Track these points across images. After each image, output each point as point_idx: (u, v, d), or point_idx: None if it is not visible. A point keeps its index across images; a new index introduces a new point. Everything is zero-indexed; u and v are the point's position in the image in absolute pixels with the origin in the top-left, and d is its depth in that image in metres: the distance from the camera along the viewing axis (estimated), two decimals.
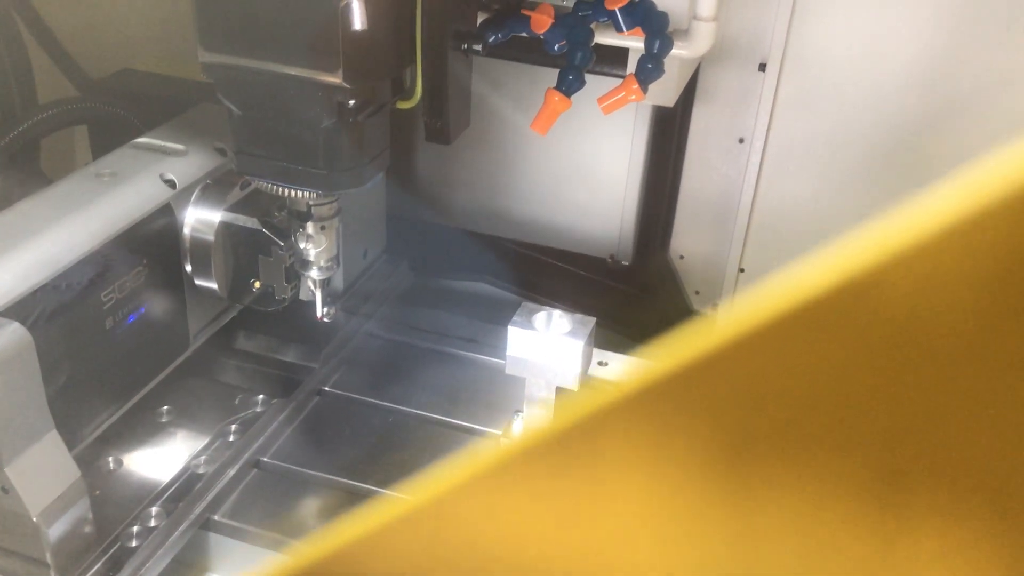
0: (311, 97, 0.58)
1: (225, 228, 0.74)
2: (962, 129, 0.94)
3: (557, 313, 0.72)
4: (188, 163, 0.74)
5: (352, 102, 0.59)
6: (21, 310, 0.60)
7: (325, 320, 0.74)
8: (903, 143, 0.97)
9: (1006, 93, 0.91)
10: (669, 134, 1.04)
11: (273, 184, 0.64)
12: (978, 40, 0.90)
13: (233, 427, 0.76)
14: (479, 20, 0.71)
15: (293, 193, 0.64)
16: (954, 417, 0.21)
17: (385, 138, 0.66)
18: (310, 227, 0.69)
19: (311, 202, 0.67)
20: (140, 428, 0.75)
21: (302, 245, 0.70)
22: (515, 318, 0.71)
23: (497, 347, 0.87)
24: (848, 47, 0.94)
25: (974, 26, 0.89)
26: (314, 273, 0.71)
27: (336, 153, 0.61)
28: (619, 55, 0.82)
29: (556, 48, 0.72)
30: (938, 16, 0.90)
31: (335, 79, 0.57)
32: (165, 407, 0.77)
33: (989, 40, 0.89)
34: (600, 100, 0.75)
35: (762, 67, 0.98)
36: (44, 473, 0.61)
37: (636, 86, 0.74)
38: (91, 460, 0.70)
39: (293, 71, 0.58)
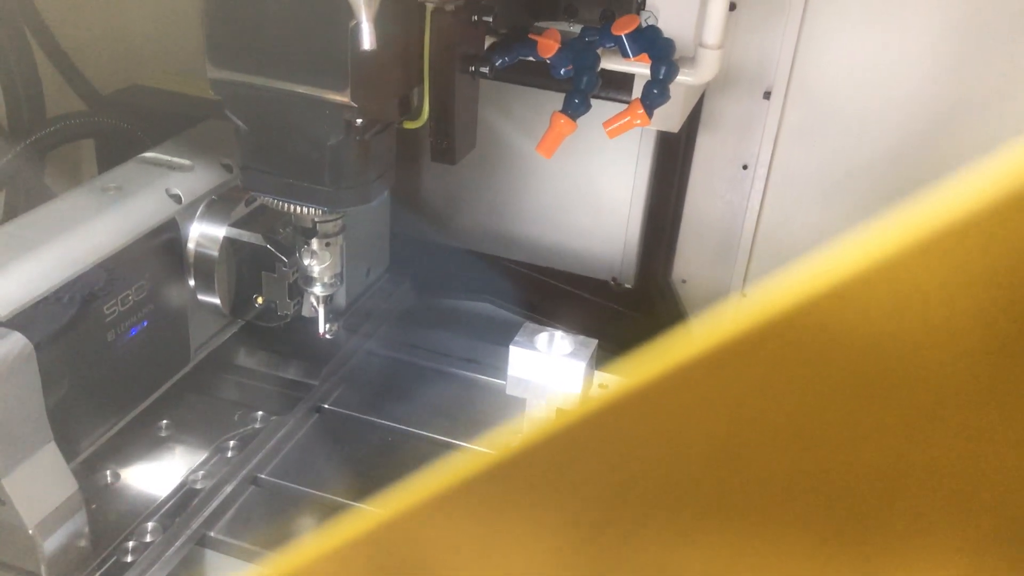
0: (318, 115, 0.59)
1: (229, 244, 0.74)
2: (966, 157, 0.94)
3: (559, 334, 0.72)
4: (194, 178, 0.75)
5: (359, 121, 0.59)
6: (23, 321, 0.60)
7: (327, 337, 0.74)
8: (907, 171, 0.97)
9: (1010, 120, 0.92)
10: (673, 159, 1.05)
11: (279, 200, 0.64)
12: (981, 68, 0.90)
13: (232, 443, 0.75)
14: (487, 44, 0.71)
15: (298, 209, 0.64)
16: (946, 442, 0.21)
17: (391, 156, 0.66)
18: (315, 243, 0.69)
19: (316, 219, 0.67)
20: (139, 442, 0.75)
21: (306, 261, 0.70)
22: (517, 338, 0.71)
23: (498, 367, 0.87)
24: (853, 76, 0.95)
25: (977, 55, 0.89)
26: (318, 289, 0.71)
27: (342, 171, 0.62)
28: (625, 80, 0.83)
29: (562, 72, 0.73)
30: (942, 45, 0.90)
31: (343, 98, 0.57)
32: (164, 421, 0.77)
33: (992, 68, 0.90)
34: (606, 124, 0.76)
35: (767, 95, 0.98)
36: (41, 485, 0.61)
37: (642, 111, 0.75)
38: (89, 473, 0.70)
39: (301, 89, 0.58)
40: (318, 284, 0.71)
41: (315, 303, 0.73)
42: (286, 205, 0.64)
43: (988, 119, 0.92)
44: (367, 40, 0.51)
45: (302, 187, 0.62)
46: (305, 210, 0.64)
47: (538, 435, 0.25)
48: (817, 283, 0.20)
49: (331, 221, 0.68)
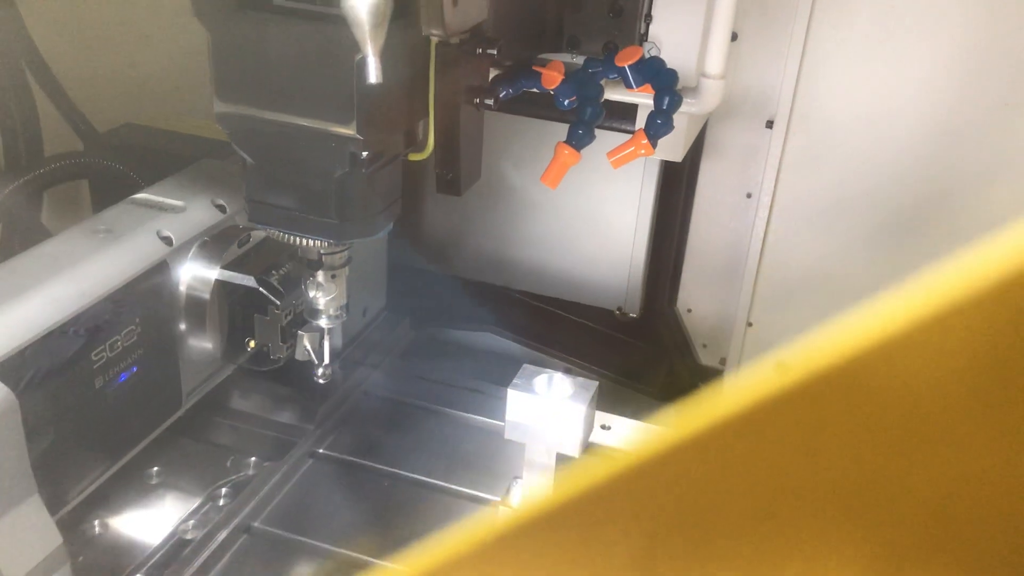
0: (325, 148, 0.59)
1: (221, 286, 0.73)
2: (967, 185, 0.94)
3: (558, 376, 0.70)
4: (186, 220, 0.74)
5: (365, 153, 0.59)
6: (6, 370, 0.59)
7: (320, 381, 0.72)
8: (909, 199, 0.97)
9: (1010, 149, 0.91)
10: (677, 189, 1.04)
11: (285, 233, 0.64)
12: (980, 97, 0.90)
13: (224, 490, 0.74)
14: (491, 76, 0.71)
15: (304, 242, 0.64)
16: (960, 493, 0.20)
17: (397, 189, 0.66)
18: (320, 276, 0.68)
19: (322, 251, 0.67)
20: (128, 490, 0.73)
21: (312, 294, 0.69)
22: (515, 381, 0.69)
23: (501, 403, 0.86)
24: (854, 105, 0.94)
25: (978, 85, 0.89)
26: (323, 322, 0.70)
27: (348, 203, 0.62)
28: (628, 110, 0.82)
29: (566, 104, 0.73)
30: (943, 75, 0.90)
31: (349, 131, 0.57)
32: (155, 468, 0.75)
33: (993, 98, 0.90)
34: (610, 154, 0.75)
35: (769, 124, 0.98)
36: (24, 539, 0.59)
37: (646, 141, 0.74)
38: (76, 523, 0.69)
39: (307, 122, 0.58)
40: (324, 316, 0.70)
41: (308, 346, 0.72)
42: (292, 238, 0.64)
43: (987, 146, 0.92)
44: (373, 74, 0.50)
45: (308, 220, 0.62)
46: (311, 242, 0.64)
47: (567, 490, 0.24)
48: (853, 343, 0.20)
49: (337, 253, 0.68)
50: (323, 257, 0.68)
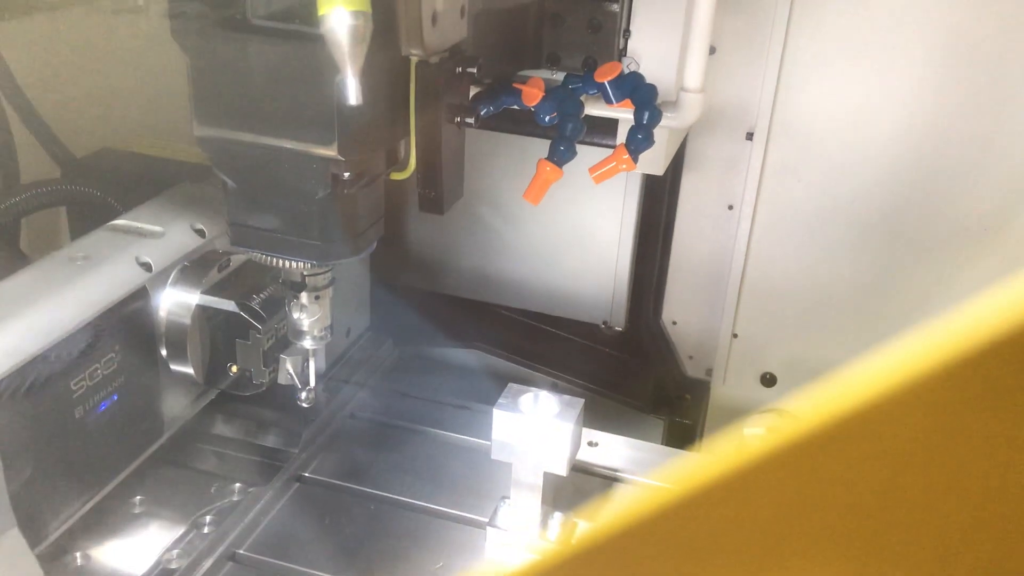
0: (306, 169, 0.59)
1: (202, 311, 0.72)
2: (948, 192, 0.95)
3: (544, 394, 0.70)
4: (165, 245, 0.73)
5: (347, 174, 0.59)
6: None
7: (304, 405, 0.72)
8: (891, 208, 0.97)
9: (990, 156, 0.92)
10: (659, 201, 1.04)
11: (268, 255, 0.63)
12: (961, 105, 0.91)
13: (208, 517, 0.73)
14: (471, 93, 0.71)
15: (288, 264, 0.64)
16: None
17: (379, 208, 0.66)
18: (304, 297, 0.68)
19: (305, 272, 0.66)
20: (111, 519, 0.72)
21: (296, 315, 0.69)
22: (500, 400, 0.69)
23: (485, 426, 0.85)
24: (833, 115, 0.95)
25: (957, 91, 0.90)
26: (307, 343, 0.70)
27: (331, 224, 0.61)
28: (609, 125, 0.82)
29: (547, 120, 0.73)
30: (921, 83, 0.91)
31: (330, 152, 0.57)
32: (138, 497, 0.74)
33: (972, 105, 0.90)
34: (591, 170, 0.75)
35: (749, 136, 0.98)
36: (4, 575, 0.58)
37: (627, 156, 0.74)
38: (57, 555, 0.67)
39: (288, 144, 0.58)
40: (308, 338, 0.70)
41: (290, 370, 0.71)
42: (275, 260, 0.63)
43: (967, 152, 0.92)
44: (353, 95, 0.50)
45: (291, 241, 0.62)
46: (294, 264, 0.64)
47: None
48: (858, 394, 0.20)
49: (320, 274, 0.67)
50: (306, 279, 0.67)
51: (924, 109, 0.91)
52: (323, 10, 0.49)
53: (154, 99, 0.97)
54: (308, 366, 0.72)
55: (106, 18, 1.02)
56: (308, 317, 0.69)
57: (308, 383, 0.72)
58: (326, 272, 0.68)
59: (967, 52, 0.88)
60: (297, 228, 0.61)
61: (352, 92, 0.50)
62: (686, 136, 0.99)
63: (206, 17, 0.58)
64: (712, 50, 0.90)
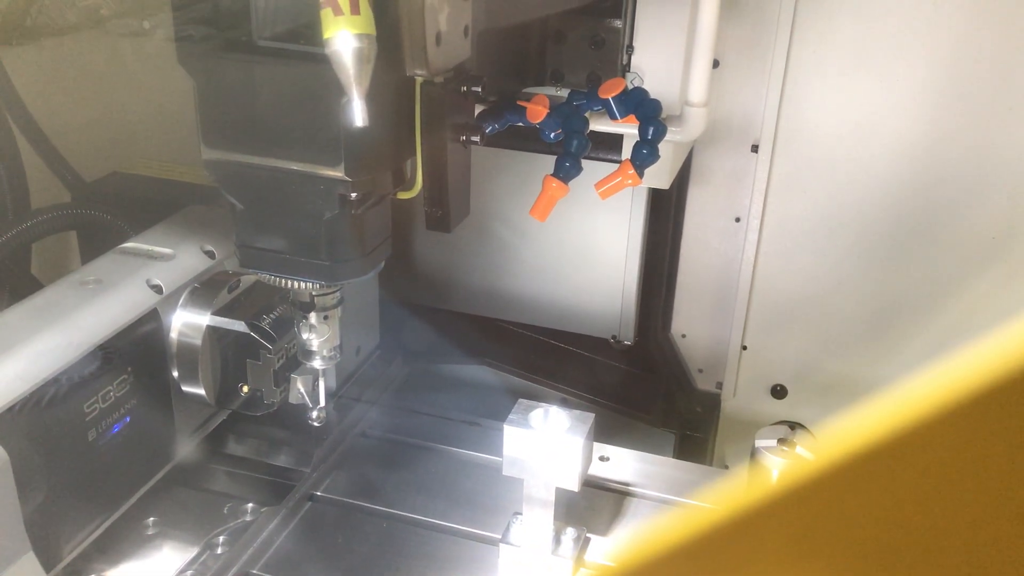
0: (313, 191, 0.59)
1: (212, 332, 0.72)
2: (954, 201, 0.95)
3: (554, 409, 0.70)
4: (175, 267, 0.73)
5: (354, 195, 0.59)
6: None
7: (315, 424, 0.72)
8: (897, 218, 0.97)
9: (995, 165, 0.92)
10: (666, 215, 1.04)
11: (276, 277, 0.63)
12: (966, 114, 0.91)
13: (221, 538, 0.73)
14: (476, 111, 0.71)
15: (296, 284, 0.64)
16: None
17: (387, 228, 0.66)
18: (313, 318, 0.68)
19: (314, 292, 0.66)
20: (125, 542, 0.72)
21: (305, 336, 0.69)
22: (511, 416, 0.69)
23: (496, 442, 0.85)
24: (838, 126, 0.95)
25: (961, 101, 0.91)
26: (317, 363, 0.70)
27: (338, 245, 0.62)
28: (614, 141, 0.82)
29: (552, 136, 0.73)
30: (925, 93, 0.91)
31: (337, 173, 0.57)
32: (151, 519, 0.74)
33: (976, 114, 0.90)
34: (597, 185, 0.75)
35: (754, 148, 0.98)
36: None
37: (632, 172, 0.74)
38: None
39: (295, 166, 0.58)
40: (317, 358, 0.70)
41: (301, 389, 0.72)
42: (284, 281, 0.64)
43: (974, 163, 0.93)
44: (359, 117, 0.50)
45: (299, 262, 0.62)
46: (303, 285, 0.64)
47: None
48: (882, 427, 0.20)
49: (329, 294, 0.68)
50: (315, 299, 0.67)
51: (928, 119, 0.92)
52: (328, 33, 0.49)
53: (161, 122, 0.98)
54: (318, 385, 0.73)
55: (113, 41, 1.03)
56: (317, 337, 0.69)
57: (319, 402, 0.72)
58: (335, 292, 0.68)
59: (970, 62, 0.88)
60: (305, 249, 0.61)
61: (358, 114, 0.51)
62: (691, 149, 1.00)
63: (212, 40, 0.58)
64: (716, 63, 0.91)
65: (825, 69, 0.93)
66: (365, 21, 0.50)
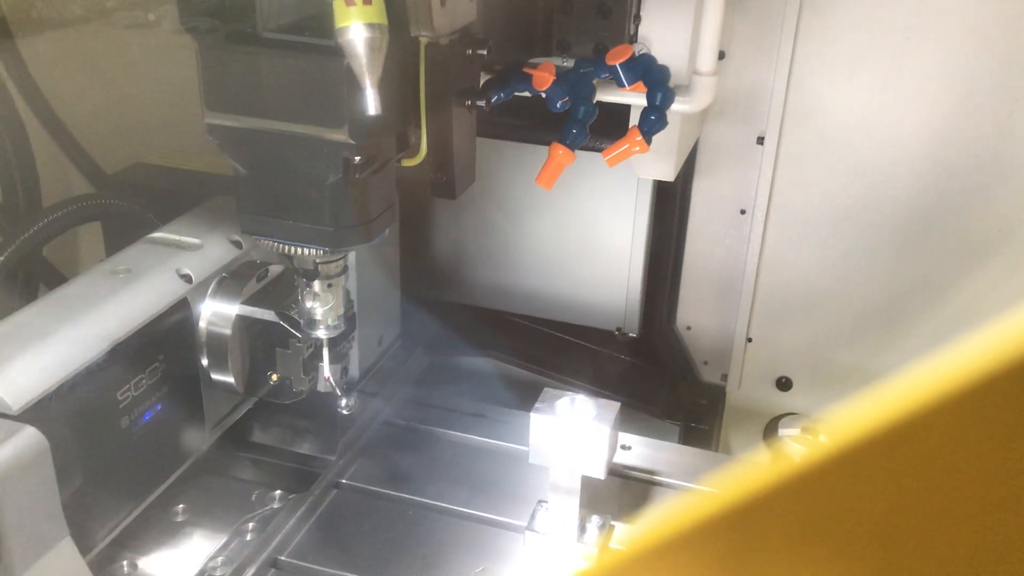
0: (317, 154, 0.58)
1: (241, 321, 0.73)
2: (962, 194, 0.95)
3: (580, 397, 0.71)
4: (204, 257, 0.74)
5: (357, 158, 0.58)
6: (37, 414, 0.59)
7: (345, 412, 0.73)
8: (903, 209, 0.98)
9: (1004, 156, 0.93)
10: (671, 207, 1.05)
11: (279, 243, 0.62)
12: (974, 105, 0.91)
13: (250, 525, 0.74)
14: (482, 80, 0.70)
15: (300, 251, 0.63)
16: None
17: (392, 195, 0.65)
18: (316, 286, 0.67)
19: (318, 260, 0.65)
20: (155, 528, 0.73)
21: (308, 304, 0.68)
22: (537, 405, 0.70)
23: (511, 427, 0.86)
24: (844, 118, 0.95)
25: (969, 92, 0.90)
26: (321, 332, 0.69)
27: (342, 210, 0.60)
28: (618, 127, 0.81)
29: (559, 105, 0.71)
30: (933, 84, 0.91)
31: (340, 136, 0.56)
32: (181, 506, 0.75)
33: (985, 105, 0.91)
34: (605, 153, 0.74)
35: (760, 140, 0.99)
36: None
37: (640, 138, 0.73)
38: (106, 564, 0.68)
39: (298, 129, 0.57)
40: (321, 327, 0.69)
41: (329, 377, 0.72)
42: (287, 247, 0.63)
43: (983, 155, 0.93)
44: (372, 105, 0.50)
45: (303, 228, 0.61)
46: (306, 252, 0.63)
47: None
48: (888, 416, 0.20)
49: (333, 262, 0.66)
50: (319, 266, 0.66)
51: (936, 110, 0.92)
52: (340, 23, 0.49)
53: (178, 114, 0.98)
54: (347, 373, 0.73)
55: (121, 32, 1.02)
56: (321, 306, 0.68)
57: (347, 391, 0.73)
58: (339, 260, 0.66)
59: (979, 54, 0.88)
60: (308, 214, 0.60)
61: (371, 103, 0.50)
62: (697, 142, 1.01)
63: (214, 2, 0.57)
64: (722, 55, 0.91)
65: (831, 61, 0.93)
66: (377, 11, 0.49)
